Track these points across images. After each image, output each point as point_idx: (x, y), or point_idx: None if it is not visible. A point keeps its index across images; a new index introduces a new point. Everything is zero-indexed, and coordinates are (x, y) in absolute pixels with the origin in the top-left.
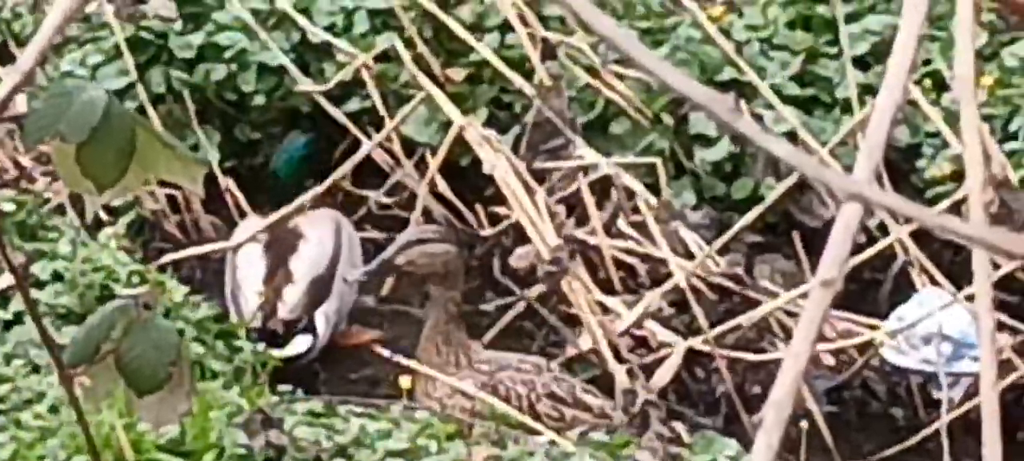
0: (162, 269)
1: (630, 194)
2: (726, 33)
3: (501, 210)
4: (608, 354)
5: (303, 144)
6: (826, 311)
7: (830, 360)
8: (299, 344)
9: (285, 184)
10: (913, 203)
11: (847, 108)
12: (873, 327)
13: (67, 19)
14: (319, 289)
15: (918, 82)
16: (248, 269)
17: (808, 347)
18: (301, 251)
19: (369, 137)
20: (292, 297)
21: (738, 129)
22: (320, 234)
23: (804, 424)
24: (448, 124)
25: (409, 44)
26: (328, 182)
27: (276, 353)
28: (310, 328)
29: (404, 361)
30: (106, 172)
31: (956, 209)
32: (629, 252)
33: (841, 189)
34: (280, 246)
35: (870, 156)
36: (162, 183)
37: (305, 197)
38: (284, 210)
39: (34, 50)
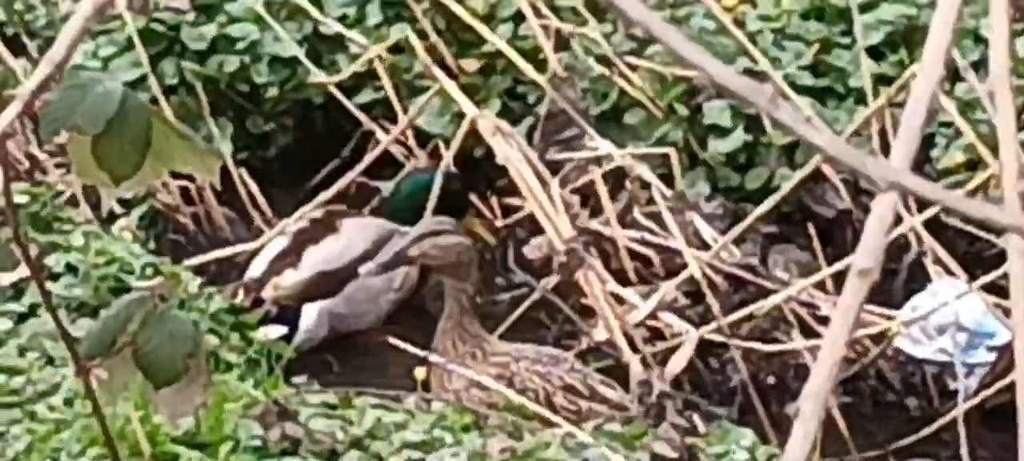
0: (176, 261)
1: (644, 185)
2: (740, 23)
3: (515, 201)
4: (623, 345)
5: (425, 183)
6: (862, 301)
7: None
8: (270, 330)
9: (400, 212)
10: (956, 195)
11: (861, 98)
12: (888, 317)
13: (98, 10)
14: (323, 283)
15: None
16: (269, 250)
17: (845, 335)
18: (323, 243)
19: (383, 128)
20: (288, 281)
21: (778, 117)
22: (354, 236)
23: None
24: (461, 115)
25: (422, 35)
26: (346, 180)
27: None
28: (289, 318)
29: (420, 352)
30: (122, 164)
31: (971, 197)
32: (643, 243)
33: (881, 177)
34: (307, 235)
35: (906, 144)
36: (175, 175)
37: (326, 194)
38: (314, 203)
39: (66, 41)
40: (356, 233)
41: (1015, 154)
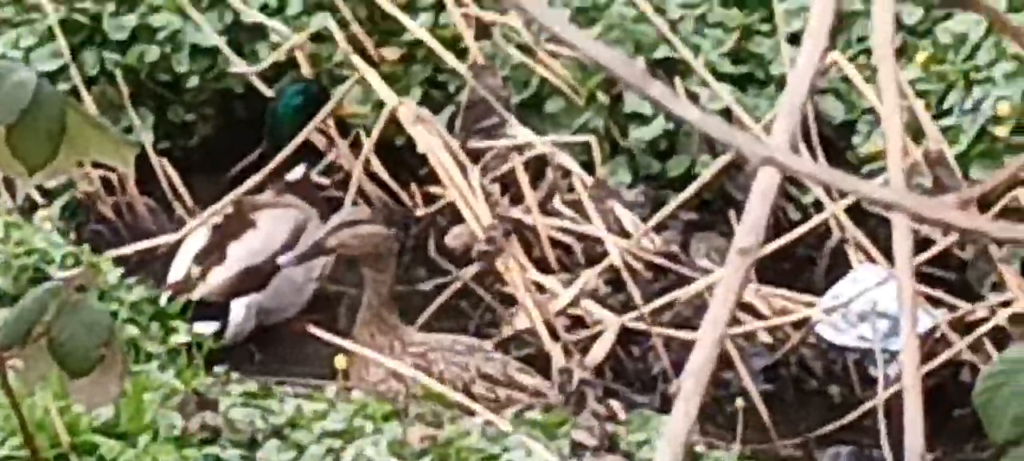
0: (97, 250)
1: (565, 173)
2: (660, 10)
3: (436, 190)
4: (544, 333)
5: (298, 91)
6: (745, 278)
7: (766, 338)
8: (201, 327)
9: (286, 130)
10: (827, 168)
11: (782, 85)
12: (809, 304)
13: None
14: (249, 278)
15: (852, 59)
16: (190, 246)
17: (726, 314)
18: (244, 238)
19: None
20: (216, 279)
21: (649, 94)
22: (273, 228)
23: (740, 402)
24: (382, 104)
25: (343, 24)
26: (267, 169)
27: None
28: (219, 314)
29: (339, 341)
30: (36, 154)
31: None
32: (564, 231)
33: (753, 154)
34: (227, 230)
35: (786, 121)
36: (96, 165)
37: (247, 184)
38: (231, 195)
39: None
40: (274, 225)
41: (899, 132)
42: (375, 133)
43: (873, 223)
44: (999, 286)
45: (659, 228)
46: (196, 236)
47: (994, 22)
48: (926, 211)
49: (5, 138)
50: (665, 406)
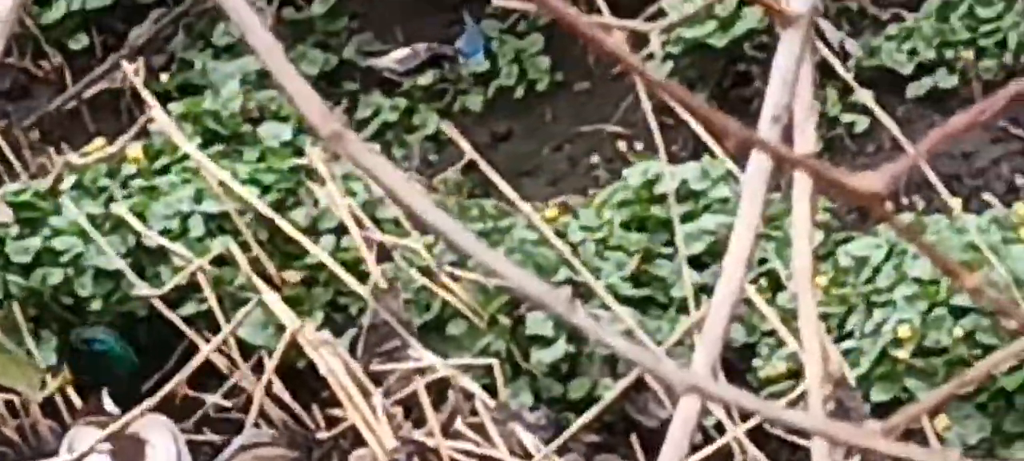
0: None
1: (467, 395)
2: (561, 234)
3: (338, 412)
4: None
5: (115, 339)
6: None
7: None
8: None
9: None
10: (752, 396)
11: (683, 308)
12: None
13: None
14: None
15: (754, 281)
16: None
17: None
18: (148, 457)
19: (206, 340)
20: None
21: (575, 323)
22: (163, 442)
23: None
24: (284, 327)
25: (245, 247)
26: (167, 389)
27: None
28: None
29: None
30: None
31: (792, 408)
32: (467, 453)
33: (679, 382)
34: (126, 454)
35: (708, 350)
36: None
37: (144, 405)
38: (124, 419)
39: None
40: (159, 436)
41: (819, 357)
42: (277, 355)
43: (775, 445)
44: None
45: (561, 450)
46: None
47: (906, 236)
48: (853, 439)
49: None
50: None
